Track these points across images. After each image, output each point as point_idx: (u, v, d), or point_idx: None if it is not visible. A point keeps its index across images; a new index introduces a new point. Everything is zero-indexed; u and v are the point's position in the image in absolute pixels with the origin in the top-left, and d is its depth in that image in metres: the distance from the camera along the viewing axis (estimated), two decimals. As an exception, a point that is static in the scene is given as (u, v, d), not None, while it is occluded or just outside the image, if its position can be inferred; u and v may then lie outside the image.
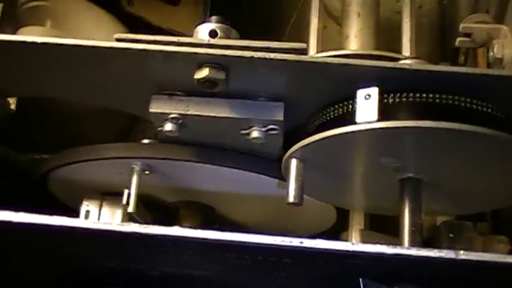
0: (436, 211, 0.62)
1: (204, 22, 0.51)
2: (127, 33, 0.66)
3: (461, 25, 0.63)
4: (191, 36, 0.53)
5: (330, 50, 0.63)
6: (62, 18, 0.64)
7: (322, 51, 0.69)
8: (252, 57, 0.48)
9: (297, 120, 0.54)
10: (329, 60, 0.48)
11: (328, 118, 0.51)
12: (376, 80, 0.48)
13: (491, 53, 0.61)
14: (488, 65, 0.66)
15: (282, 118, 0.52)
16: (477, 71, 0.49)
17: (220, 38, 0.50)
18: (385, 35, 0.78)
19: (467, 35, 0.63)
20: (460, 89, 0.48)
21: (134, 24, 0.70)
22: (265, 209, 0.63)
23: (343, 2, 0.71)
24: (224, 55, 0.48)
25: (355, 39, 0.68)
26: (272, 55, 0.48)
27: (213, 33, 0.50)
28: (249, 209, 0.63)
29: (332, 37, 0.79)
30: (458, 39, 0.64)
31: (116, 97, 0.55)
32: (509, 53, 0.60)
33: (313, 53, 0.67)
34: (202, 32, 0.50)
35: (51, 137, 0.66)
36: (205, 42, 0.49)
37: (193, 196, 0.62)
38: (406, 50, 0.69)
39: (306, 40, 0.67)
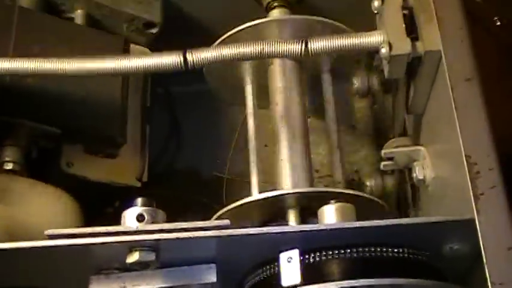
0: None
1: (131, 206, 0.54)
2: (72, 195, 0.71)
3: (383, 151, 0.66)
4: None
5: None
6: (4, 196, 0.66)
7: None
8: (178, 238, 0.51)
9: (234, 280, 0.56)
10: (250, 231, 0.51)
11: (260, 279, 0.53)
12: (298, 242, 0.51)
13: (414, 175, 0.64)
14: (413, 186, 0.69)
15: (215, 279, 0.54)
16: (393, 222, 0.51)
17: (147, 222, 0.53)
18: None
19: (390, 158, 0.66)
20: (379, 239, 0.51)
21: (77, 183, 0.72)
22: None
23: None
24: (151, 239, 0.51)
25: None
26: (197, 234, 0.51)
27: (140, 218, 0.53)
28: None
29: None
30: (382, 163, 0.67)
31: (53, 279, 0.57)
32: (429, 173, 0.63)
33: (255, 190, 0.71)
34: (130, 217, 0.53)
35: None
36: (133, 229, 0.52)
37: None
38: (338, 175, 0.72)
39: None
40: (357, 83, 0.76)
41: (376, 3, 0.60)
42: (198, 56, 0.61)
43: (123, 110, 0.74)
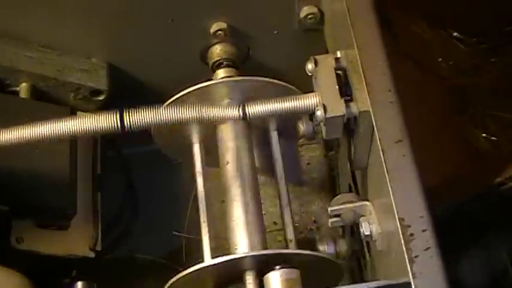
0: None
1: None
2: (25, 271, 0.70)
3: (329, 208, 0.67)
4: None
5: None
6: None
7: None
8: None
9: None
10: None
11: None
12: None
13: (361, 230, 0.65)
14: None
15: None
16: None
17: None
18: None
19: (337, 215, 0.67)
20: None
21: (30, 259, 0.72)
22: None
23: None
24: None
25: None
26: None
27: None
28: None
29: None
30: (330, 220, 0.67)
31: None
32: (376, 228, 0.63)
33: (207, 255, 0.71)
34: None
35: None
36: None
37: None
38: (290, 233, 0.72)
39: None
40: (302, 127, 0.76)
41: (309, 66, 0.61)
42: (135, 117, 0.61)
43: (72, 181, 0.74)
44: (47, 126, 0.60)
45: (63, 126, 0.60)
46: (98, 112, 0.60)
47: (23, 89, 0.78)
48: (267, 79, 0.74)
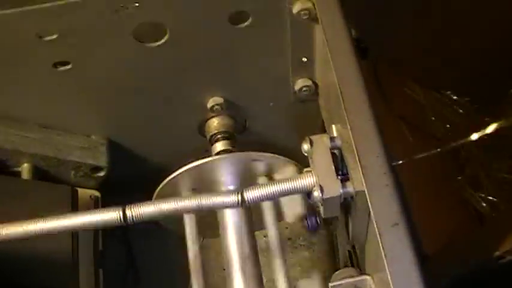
0: None
1: None
2: None
3: (330, 284, 0.67)
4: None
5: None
6: None
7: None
8: None
9: None
10: None
11: None
12: None
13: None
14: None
15: None
16: None
17: None
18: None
19: (339, 290, 0.67)
20: None
21: None
22: None
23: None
24: None
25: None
26: None
27: None
28: None
29: None
30: None
31: None
32: None
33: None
34: None
35: None
36: None
37: None
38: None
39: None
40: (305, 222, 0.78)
41: (305, 147, 0.62)
42: (137, 211, 0.62)
43: (75, 261, 0.75)
44: (51, 222, 0.61)
45: (68, 222, 0.61)
46: (101, 209, 0.61)
47: (25, 169, 0.79)
48: (261, 154, 0.76)
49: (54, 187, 0.78)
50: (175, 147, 0.87)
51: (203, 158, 0.77)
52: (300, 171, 0.67)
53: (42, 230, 0.62)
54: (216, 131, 0.83)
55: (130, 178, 0.86)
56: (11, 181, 0.77)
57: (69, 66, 0.74)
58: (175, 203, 0.62)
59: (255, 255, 0.76)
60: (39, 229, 0.62)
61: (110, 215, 0.61)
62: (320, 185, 0.59)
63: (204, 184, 0.78)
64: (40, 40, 0.70)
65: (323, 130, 0.85)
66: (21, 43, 0.71)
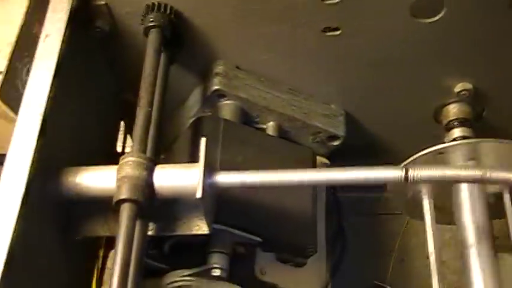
0: None
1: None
2: None
3: None
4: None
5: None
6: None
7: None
8: None
9: None
10: None
11: None
12: None
13: None
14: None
15: None
16: None
17: None
18: None
19: None
20: None
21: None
22: None
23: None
24: None
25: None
26: None
27: None
28: None
29: None
30: None
31: None
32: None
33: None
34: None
35: None
36: None
37: None
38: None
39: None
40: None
41: None
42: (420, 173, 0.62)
43: (314, 220, 0.76)
44: (340, 173, 0.62)
45: (342, 175, 0.63)
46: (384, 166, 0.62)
47: (270, 127, 0.81)
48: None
49: (298, 147, 0.80)
50: (406, 130, 0.87)
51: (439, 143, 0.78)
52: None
53: (309, 181, 0.65)
54: (455, 117, 0.83)
55: (357, 152, 0.88)
56: (262, 136, 0.79)
57: (337, 32, 0.76)
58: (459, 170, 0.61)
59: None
60: (316, 179, 0.64)
61: (394, 173, 0.62)
62: None
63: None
64: (322, 2, 0.72)
65: None
66: (302, 2, 0.73)
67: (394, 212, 0.94)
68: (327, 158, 0.85)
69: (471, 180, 0.64)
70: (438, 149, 0.72)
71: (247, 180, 0.64)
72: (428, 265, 0.81)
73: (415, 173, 0.62)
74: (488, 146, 0.75)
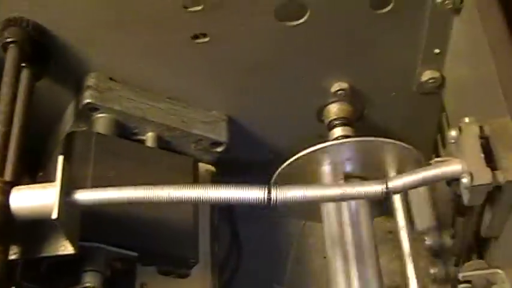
0: None
1: None
2: None
3: (460, 274, 0.67)
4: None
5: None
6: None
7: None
8: None
9: None
10: None
11: None
12: None
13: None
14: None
15: None
16: None
17: None
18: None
19: (468, 281, 0.67)
20: None
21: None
22: None
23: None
24: None
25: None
26: None
27: None
28: None
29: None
30: (460, 286, 0.67)
31: None
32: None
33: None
34: None
35: None
36: None
37: None
38: None
39: None
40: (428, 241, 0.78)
41: (453, 133, 0.62)
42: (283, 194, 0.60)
43: (195, 231, 0.75)
44: (198, 191, 0.61)
45: (214, 193, 0.61)
46: (244, 185, 0.60)
47: (149, 138, 0.80)
48: (392, 141, 0.76)
49: (178, 157, 0.79)
50: (291, 131, 0.87)
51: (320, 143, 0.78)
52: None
53: (172, 198, 0.62)
54: (335, 117, 0.83)
55: (244, 157, 0.87)
56: (138, 147, 0.78)
57: (206, 39, 0.75)
58: (322, 190, 0.60)
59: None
60: (170, 196, 0.62)
61: (255, 194, 0.60)
62: (470, 172, 0.59)
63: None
64: (185, 10, 0.71)
65: (439, 124, 0.85)
66: (165, 11, 0.72)
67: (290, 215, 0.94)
68: (214, 164, 0.85)
69: (332, 200, 0.64)
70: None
71: (111, 196, 0.63)
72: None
73: (278, 193, 0.60)
74: (360, 145, 0.76)
